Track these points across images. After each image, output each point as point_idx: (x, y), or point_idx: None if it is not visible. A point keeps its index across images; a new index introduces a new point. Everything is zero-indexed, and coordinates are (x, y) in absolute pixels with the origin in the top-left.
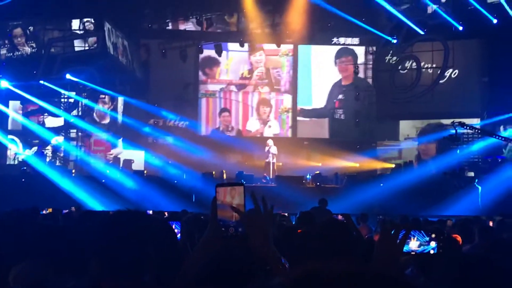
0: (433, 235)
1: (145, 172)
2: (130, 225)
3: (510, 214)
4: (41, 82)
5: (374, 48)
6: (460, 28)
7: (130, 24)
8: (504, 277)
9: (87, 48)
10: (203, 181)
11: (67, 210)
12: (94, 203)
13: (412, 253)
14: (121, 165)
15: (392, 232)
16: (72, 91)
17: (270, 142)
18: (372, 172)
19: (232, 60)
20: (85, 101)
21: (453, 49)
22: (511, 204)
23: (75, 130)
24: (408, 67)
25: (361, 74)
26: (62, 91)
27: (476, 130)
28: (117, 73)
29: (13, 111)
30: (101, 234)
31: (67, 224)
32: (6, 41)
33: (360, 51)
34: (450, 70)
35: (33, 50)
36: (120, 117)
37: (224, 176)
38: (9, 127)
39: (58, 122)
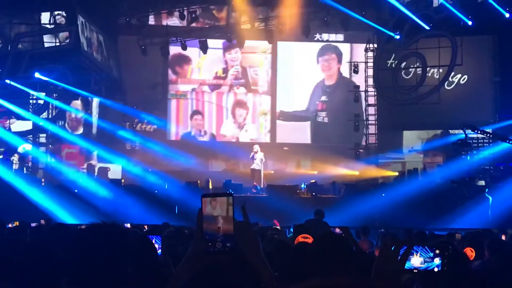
0: (437, 251)
1: (122, 181)
2: (104, 240)
3: None
4: (7, 81)
5: (375, 45)
6: (469, 23)
7: (106, 17)
8: None
9: (58, 44)
10: (187, 190)
11: (36, 224)
12: (65, 216)
13: (414, 270)
14: (95, 173)
15: (393, 248)
16: (42, 92)
17: (256, 147)
18: (373, 181)
19: (205, 58)
20: (56, 103)
21: (461, 46)
22: None
23: (44, 135)
24: (412, 66)
25: (361, 73)
26: (31, 92)
27: (488, 135)
28: (91, 72)
29: None
30: (73, 250)
31: (36, 239)
32: None
33: (345, 48)
34: (459, 76)
35: None
36: (95, 121)
37: (210, 185)
38: None
39: (26, 126)
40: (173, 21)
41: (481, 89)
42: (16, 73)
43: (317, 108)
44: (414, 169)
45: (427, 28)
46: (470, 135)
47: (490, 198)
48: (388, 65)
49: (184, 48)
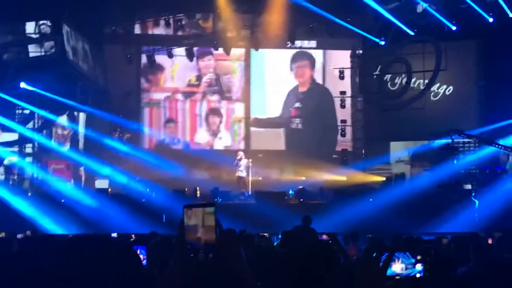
0: (419, 257)
1: (109, 190)
2: (86, 251)
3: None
4: None
5: (361, 51)
6: (454, 28)
7: (91, 26)
8: None
9: (43, 53)
10: (175, 199)
11: (22, 235)
12: (52, 226)
13: (396, 277)
14: (82, 183)
15: (374, 255)
16: (28, 102)
17: (240, 154)
18: (361, 186)
19: (178, 66)
20: (42, 113)
21: (446, 51)
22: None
23: (31, 145)
24: (397, 72)
25: (347, 79)
26: (17, 102)
27: (474, 138)
28: (77, 81)
29: None
30: (58, 261)
31: (22, 250)
32: None
33: (318, 54)
34: (444, 87)
35: None
36: (82, 130)
37: (198, 193)
38: None
39: (12, 136)
40: (160, 30)
41: (467, 94)
42: (1, 84)
43: (291, 115)
44: (401, 173)
45: (412, 33)
46: (456, 140)
47: (477, 202)
48: (374, 70)
49: (171, 56)
